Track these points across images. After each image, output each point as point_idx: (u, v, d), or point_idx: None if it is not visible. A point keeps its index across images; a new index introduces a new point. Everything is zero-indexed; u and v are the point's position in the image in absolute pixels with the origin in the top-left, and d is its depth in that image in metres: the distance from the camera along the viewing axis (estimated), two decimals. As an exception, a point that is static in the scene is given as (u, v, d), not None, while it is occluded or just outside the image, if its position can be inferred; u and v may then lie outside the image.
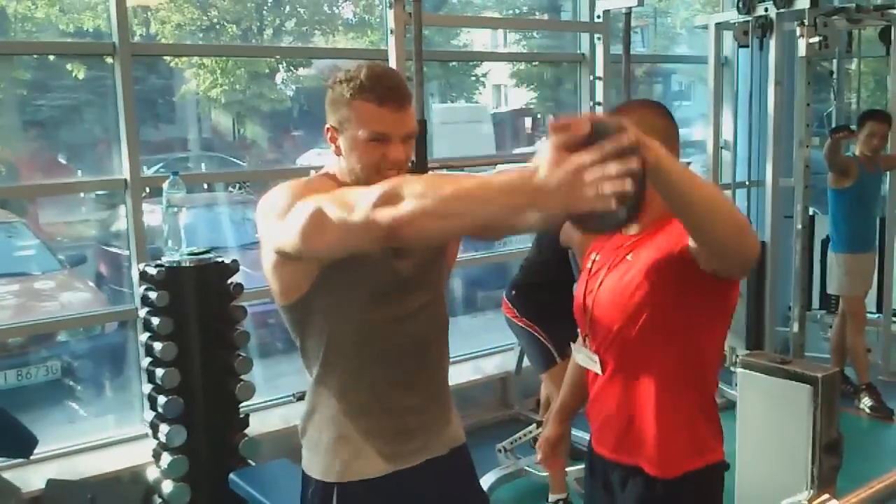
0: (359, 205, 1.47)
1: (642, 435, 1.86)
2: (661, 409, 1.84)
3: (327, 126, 1.79)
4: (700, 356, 1.86)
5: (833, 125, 5.40)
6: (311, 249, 1.61)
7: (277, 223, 1.65)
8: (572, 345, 2.07)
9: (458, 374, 3.63)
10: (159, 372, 3.29)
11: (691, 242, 1.66)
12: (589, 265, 2.01)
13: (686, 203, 1.49)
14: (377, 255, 1.72)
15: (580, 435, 4.06)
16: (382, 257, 1.75)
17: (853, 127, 4.93)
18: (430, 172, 1.99)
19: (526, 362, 4.23)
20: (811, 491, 1.05)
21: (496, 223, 1.43)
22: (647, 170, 1.29)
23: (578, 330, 2.06)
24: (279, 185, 1.74)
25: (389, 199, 1.43)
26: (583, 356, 2.01)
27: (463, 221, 1.41)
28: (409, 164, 1.80)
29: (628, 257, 1.87)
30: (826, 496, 1.10)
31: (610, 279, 1.90)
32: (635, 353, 1.86)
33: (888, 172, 5.32)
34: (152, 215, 4.14)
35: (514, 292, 3.75)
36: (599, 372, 1.94)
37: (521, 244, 4.61)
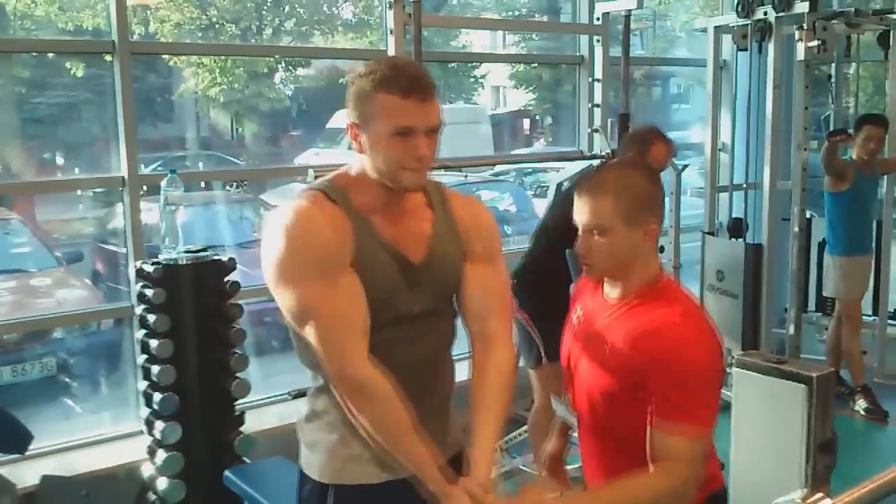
0: (339, 367, 1.69)
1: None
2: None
3: (348, 123, 1.73)
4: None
5: (831, 129, 5.41)
6: (295, 329, 1.74)
7: (276, 287, 1.70)
8: (553, 399, 2.09)
9: (460, 374, 3.62)
10: (155, 369, 3.29)
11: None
12: (574, 319, 2.02)
13: None
14: (386, 293, 1.73)
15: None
16: (393, 296, 1.75)
17: (850, 131, 4.94)
18: (457, 192, 1.99)
19: (521, 362, 4.23)
20: (805, 490, 1.05)
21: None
22: None
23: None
24: (280, 215, 1.71)
25: (359, 399, 1.70)
26: (562, 409, 2.03)
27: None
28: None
29: (608, 338, 1.86)
30: (820, 495, 1.10)
31: (588, 350, 1.91)
32: (613, 431, 1.87)
33: (884, 176, 5.33)
34: (150, 213, 4.14)
35: (515, 281, 3.74)
36: (575, 430, 1.98)
37: (521, 245, 4.60)
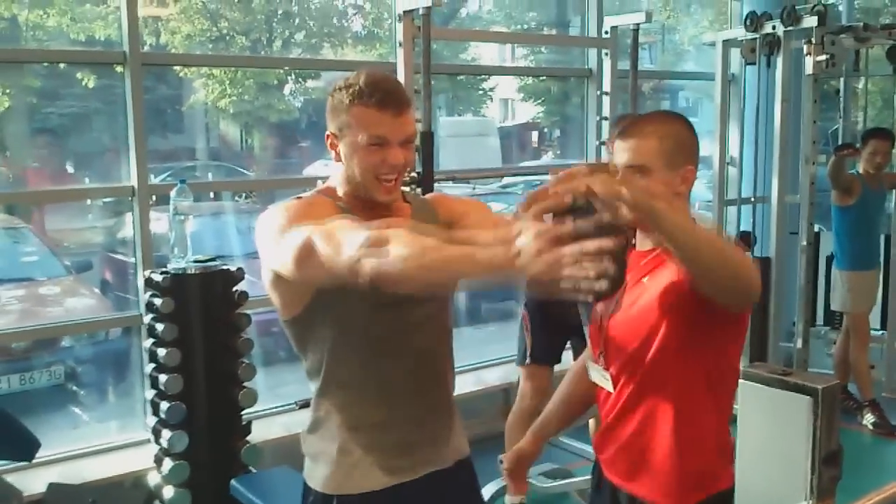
0: (345, 248, 1.50)
1: (655, 465, 1.85)
2: (677, 437, 1.82)
3: (327, 133, 1.80)
4: (716, 379, 1.83)
5: (839, 143, 5.41)
6: (301, 277, 1.66)
7: (274, 245, 1.69)
8: (588, 362, 2.05)
9: (461, 385, 3.61)
10: (162, 378, 3.30)
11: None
12: None
13: (683, 251, 1.54)
14: None
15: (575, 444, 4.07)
16: None
17: (857, 145, 4.94)
18: (433, 193, 1.98)
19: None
20: (810, 502, 1.06)
21: (473, 289, 1.52)
22: (628, 243, 1.35)
23: (590, 348, 2.05)
24: (276, 205, 1.77)
25: (375, 250, 1.46)
26: (596, 374, 1.99)
27: (440, 285, 1.62)
28: (411, 174, 1.81)
29: (644, 280, 1.86)
30: (825, 507, 1.10)
31: (626, 301, 1.89)
32: (650, 377, 1.85)
33: (892, 190, 5.32)
34: (159, 223, 4.15)
35: None
36: (612, 390, 1.93)
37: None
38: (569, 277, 1.26)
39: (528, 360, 3.68)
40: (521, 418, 3.66)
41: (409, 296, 1.75)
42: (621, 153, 1.86)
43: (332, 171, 1.87)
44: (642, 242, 1.93)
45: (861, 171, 4.96)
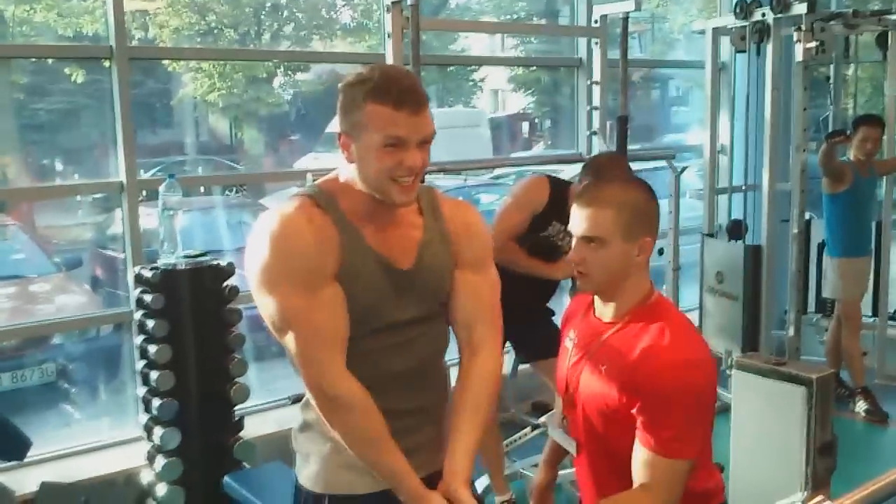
0: (316, 379, 1.70)
1: None
2: None
3: (339, 132, 1.70)
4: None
5: (830, 130, 5.41)
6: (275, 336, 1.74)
7: (257, 290, 1.70)
8: (547, 422, 2.09)
9: (455, 379, 3.62)
10: (154, 374, 3.28)
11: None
12: (568, 344, 2.01)
13: None
14: (373, 302, 1.73)
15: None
16: (381, 304, 1.74)
17: (848, 132, 4.94)
18: (447, 197, 1.96)
19: (521, 366, 4.23)
20: (805, 492, 1.05)
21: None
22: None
23: (558, 405, 2.08)
24: (265, 222, 1.69)
25: (335, 413, 1.71)
26: (559, 435, 2.03)
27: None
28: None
29: (602, 369, 1.85)
30: (820, 497, 1.09)
31: (586, 375, 1.90)
32: (613, 457, 1.86)
33: (883, 177, 5.32)
34: (149, 218, 4.13)
35: None
36: (574, 454, 1.98)
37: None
38: None
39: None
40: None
41: (406, 319, 1.77)
42: (579, 222, 1.85)
43: (339, 166, 1.77)
44: (603, 309, 1.92)
45: (852, 157, 4.96)
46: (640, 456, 1.76)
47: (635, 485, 1.77)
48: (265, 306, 1.69)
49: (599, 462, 1.92)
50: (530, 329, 3.67)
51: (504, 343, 3.86)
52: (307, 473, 1.86)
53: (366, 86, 1.64)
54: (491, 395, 1.87)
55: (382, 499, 1.80)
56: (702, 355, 1.81)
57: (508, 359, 4.49)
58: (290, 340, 1.69)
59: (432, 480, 1.84)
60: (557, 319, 3.92)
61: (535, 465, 3.95)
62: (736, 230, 5.18)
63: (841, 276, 4.97)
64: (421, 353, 1.83)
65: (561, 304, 4.39)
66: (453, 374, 1.96)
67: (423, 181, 1.80)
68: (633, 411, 1.77)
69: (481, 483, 3.77)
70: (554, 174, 3.85)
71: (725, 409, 2.76)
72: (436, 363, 1.90)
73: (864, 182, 4.93)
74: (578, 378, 1.92)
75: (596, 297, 1.94)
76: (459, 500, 1.73)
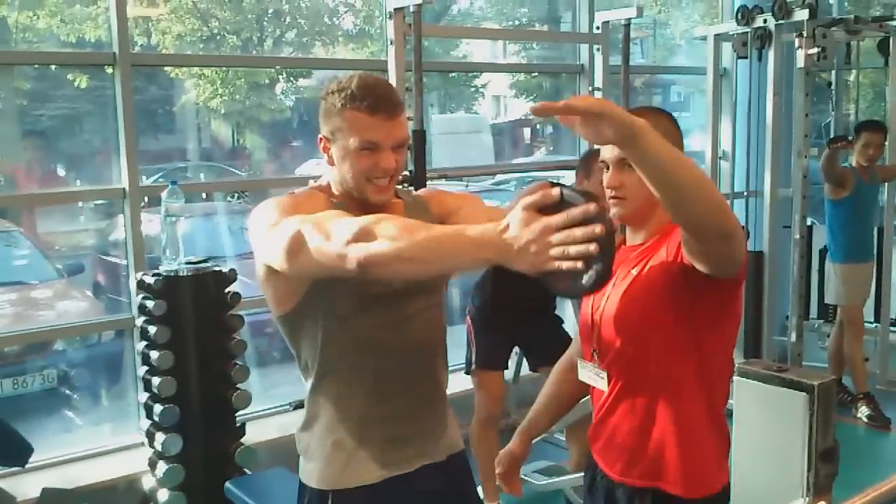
0: (335, 236, 1.53)
1: (661, 456, 1.83)
2: (679, 427, 1.81)
3: (320, 136, 1.81)
4: (710, 372, 1.84)
5: (831, 136, 5.41)
6: (292, 269, 1.65)
7: (265, 238, 1.70)
8: (579, 361, 2.04)
9: (456, 383, 3.61)
10: (156, 380, 3.28)
11: (682, 239, 1.67)
12: None
13: (662, 174, 1.49)
14: None
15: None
16: None
17: (850, 137, 4.94)
18: (426, 188, 1.99)
19: (523, 371, 4.23)
20: (807, 498, 1.05)
21: (464, 270, 1.59)
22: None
23: (582, 346, 2.04)
24: (268, 200, 1.76)
25: (364, 235, 1.49)
26: (588, 373, 1.98)
27: (431, 267, 1.52)
28: (404, 173, 1.81)
29: (633, 271, 1.86)
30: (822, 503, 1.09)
31: (615, 294, 1.89)
32: (645, 370, 1.84)
33: (885, 183, 5.32)
34: (151, 225, 4.14)
35: (473, 288, 3.78)
36: (605, 389, 1.92)
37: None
38: (557, 258, 1.30)
39: (473, 367, 3.65)
40: (483, 427, 3.65)
41: (400, 289, 1.79)
42: (611, 148, 1.84)
43: (324, 172, 1.88)
44: (633, 237, 1.93)
45: (853, 163, 4.96)
46: None
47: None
48: (276, 235, 1.64)
49: (633, 385, 1.87)
50: (539, 334, 3.68)
51: (512, 349, 3.89)
52: (310, 471, 1.88)
53: (343, 93, 1.74)
54: None
55: (384, 488, 1.83)
56: None
57: (511, 365, 4.49)
58: (307, 242, 1.57)
59: (427, 473, 1.87)
60: (565, 328, 3.94)
61: (537, 472, 3.97)
62: (738, 236, 5.17)
63: (843, 282, 4.97)
64: (417, 334, 1.85)
65: (566, 310, 4.41)
66: (454, 376, 1.98)
67: (411, 183, 1.85)
68: (678, 290, 1.74)
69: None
70: (555, 180, 3.86)
71: (728, 416, 2.81)
72: (434, 351, 1.92)
73: (866, 187, 4.93)
74: (607, 301, 1.90)
75: (627, 231, 1.94)
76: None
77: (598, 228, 1.28)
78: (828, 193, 4.93)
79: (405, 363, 1.84)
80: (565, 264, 1.31)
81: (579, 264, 1.30)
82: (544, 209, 1.35)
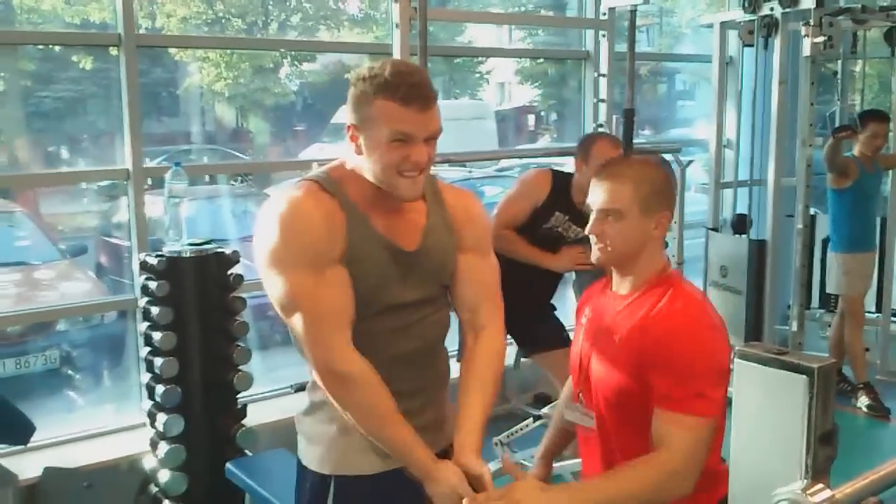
0: (316, 354, 1.71)
1: None
2: None
3: (348, 124, 1.72)
4: None
5: (836, 126, 5.40)
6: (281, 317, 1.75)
7: (265, 271, 1.72)
8: (565, 403, 2.09)
9: (457, 370, 3.62)
10: (158, 361, 3.29)
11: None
12: (583, 321, 2.04)
13: None
14: (379, 283, 1.75)
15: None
16: (386, 285, 1.76)
17: (855, 127, 4.93)
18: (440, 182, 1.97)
19: (524, 359, 4.23)
20: (805, 481, 1.06)
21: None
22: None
23: (566, 391, 2.11)
24: (274, 204, 1.71)
25: (340, 389, 1.73)
26: (575, 414, 2.02)
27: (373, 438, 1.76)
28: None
29: (616, 339, 1.88)
30: (820, 486, 1.10)
31: (598, 346, 1.93)
32: (629, 425, 1.87)
33: (889, 172, 5.32)
34: (154, 206, 4.14)
35: None
36: (593, 426, 1.96)
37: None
38: None
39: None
40: None
41: (408, 301, 1.80)
42: (598, 195, 1.89)
43: (346, 155, 1.79)
44: (618, 283, 1.95)
45: (857, 153, 4.95)
46: (662, 418, 1.75)
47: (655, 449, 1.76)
48: (273, 286, 1.71)
49: (617, 437, 1.91)
50: (532, 322, 3.67)
51: (506, 334, 3.87)
52: (313, 455, 1.88)
53: (376, 80, 1.66)
54: (497, 372, 1.89)
55: (388, 479, 1.82)
56: (717, 322, 1.85)
57: (511, 350, 4.50)
58: (297, 320, 1.70)
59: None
60: (559, 314, 3.94)
61: (532, 454, 3.98)
62: (740, 224, 5.17)
63: (845, 272, 4.97)
64: (424, 335, 1.85)
65: (563, 300, 4.41)
66: (454, 368, 1.98)
67: None
68: (652, 378, 1.77)
69: (491, 467, 3.77)
70: (558, 167, 3.86)
71: (729, 403, 2.81)
72: (438, 346, 1.93)
73: (869, 177, 4.93)
74: (591, 352, 1.94)
75: (613, 274, 1.97)
76: (470, 466, 1.74)
77: None
78: (831, 183, 4.93)
79: (410, 363, 1.83)
80: None
81: None
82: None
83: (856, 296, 5.01)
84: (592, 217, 1.90)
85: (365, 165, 1.73)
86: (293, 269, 1.68)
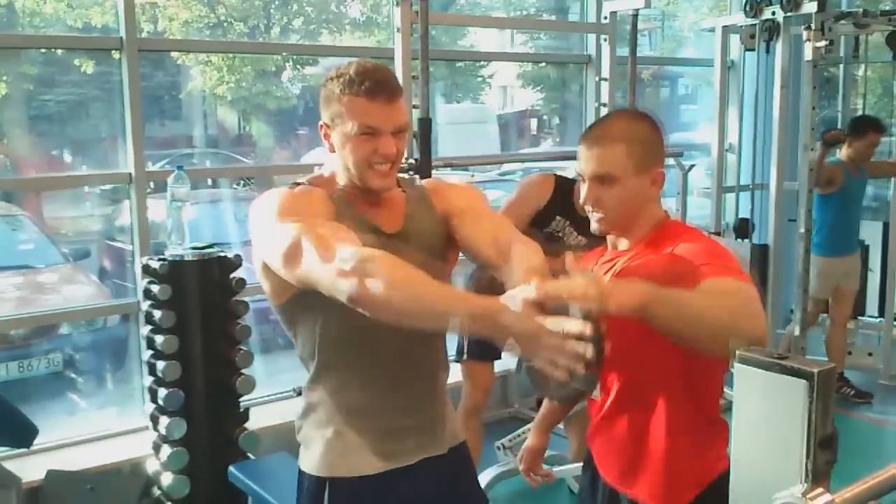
0: (331, 262, 1.54)
1: (648, 468, 1.83)
2: (667, 437, 1.80)
3: (321, 123, 1.80)
4: (699, 377, 1.81)
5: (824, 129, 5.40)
6: (288, 276, 1.66)
7: (265, 236, 1.71)
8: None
9: (460, 373, 3.63)
10: (160, 365, 3.30)
11: None
12: None
13: (680, 335, 1.52)
14: None
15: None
16: None
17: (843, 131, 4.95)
18: (430, 179, 1.97)
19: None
20: (805, 485, 1.06)
21: (450, 330, 1.64)
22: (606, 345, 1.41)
23: None
24: (269, 193, 1.77)
25: (361, 270, 1.51)
26: (582, 380, 2.00)
27: (423, 322, 1.57)
28: (409, 161, 1.82)
29: (625, 276, 1.83)
30: (820, 490, 1.10)
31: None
32: (636, 379, 1.83)
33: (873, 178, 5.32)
34: (156, 210, 4.15)
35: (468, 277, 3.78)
36: (597, 396, 1.91)
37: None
38: (548, 349, 1.38)
39: (464, 357, 3.62)
40: (467, 416, 3.63)
41: None
42: (587, 161, 1.81)
43: (326, 160, 1.88)
44: (617, 241, 1.91)
45: (844, 157, 4.95)
46: (713, 281, 1.56)
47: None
48: (275, 238, 1.66)
49: (627, 399, 1.85)
50: None
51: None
52: (309, 458, 1.88)
53: (342, 79, 1.74)
54: (544, 262, 1.71)
55: (384, 480, 1.83)
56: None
57: (513, 355, 4.50)
58: (304, 254, 1.59)
59: (427, 466, 1.88)
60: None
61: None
62: (743, 228, 5.17)
63: (818, 274, 4.95)
64: (418, 330, 1.83)
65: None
66: (455, 367, 1.99)
67: (417, 172, 1.85)
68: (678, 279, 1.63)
69: (486, 477, 3.78)
70: (561, 171, 3.86)
71: (730, 408, 2.79)
72: (434, 342, 1.92)
73: (854, 182, 4.95)
74: None
75: (610, 239, 1.92)
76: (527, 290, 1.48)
77: (589, 351, 1.34)
78: (817, 188, 4.92)
79: (404, 358, 1.83)
80: (553, 371, 1.39)
81: (564, 376, 1.37)
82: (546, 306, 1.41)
83: (820, 299, 5.04)
84: (585, 186, 1.82)
85: (338, 161, 1.80)
86: (294, 218, 1.66)
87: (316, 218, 1.67)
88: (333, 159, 1.83)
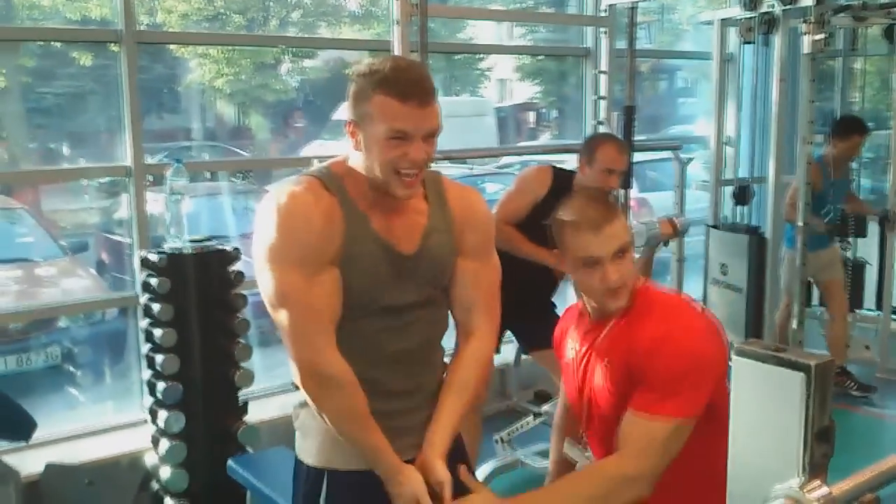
0: (297, 356, 1.72)
1: None
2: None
3: (347, 120, 1.72)
4: (704, 448, 1.76)
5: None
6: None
7: (260, 265, 1.72)
8: (567, 444, 2.08)
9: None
10: (159, 358, 3.30)
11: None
12: (570, 354, 2.02)
13: None
14: (373, 284, 1.75)
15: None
16: (382, 287, 1.76)
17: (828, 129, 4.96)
18: (444, 178, 1.93)
19: (525, 355, 4.24)
20: (802, 478, 1.06)
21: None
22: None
23: (561, 400, 2.12)
24: (273, 200, 1.71)
25: (318, 394, 1.74)
26: (577, 454, 2.02)
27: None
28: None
29: (605, 361, 1.88)
30: (817, 482, 1.10)
31: (596, 377, 1.91)
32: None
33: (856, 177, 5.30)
34: (155, 203, 4.15)
35: None
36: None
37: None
38: None
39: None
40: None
41: (403, 304, 1.79)
42: (604, 243, 1.82)
43: (347, 152, 1.78)
44: (598, 312, 1.93)
45: (826, 156, 4.92)
46: (625, 421, 1.77)
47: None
48: (265, 281, 1.71)
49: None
50: (532, 319, 3.67)
51: (504, 332, 3.88)
52: (307, 449, 1.89)
53: (375, 76, 1.66)
54: (479, 377, 1.90)
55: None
56: (699, 320, 1.84)
57: (512, 348, 4.51)
58: (284, 317, 1.70)
59: None
60: (560, 312, 3.95)
61: (536, 454, 3.99)
62: (741, 195, 5.13)
63: (788, 269, 4.91)
64: (419, 335, 1.84)
65: (563, 299, 4.41)
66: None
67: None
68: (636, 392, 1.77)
69: (484, 471, 3.79)
70: (559, 164, 3.86)
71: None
72: (433, 346, 1.92)
73: (836, 183, 4.91)
74: (590, 381, 1.92)
75: (586, 300, 1.96)
76: (433, 470, 1.77)
77: None
78: None
79: (404, 362, 1.83)
80: None
81: None
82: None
83: (790, 290, 5.02)
84: (608, 267, 1.82)
85: (363, 162, 1.72)
86: (287, 267, 1.68)
87: (307, 271, 1.68)
88: (356, 157, 1.74)
